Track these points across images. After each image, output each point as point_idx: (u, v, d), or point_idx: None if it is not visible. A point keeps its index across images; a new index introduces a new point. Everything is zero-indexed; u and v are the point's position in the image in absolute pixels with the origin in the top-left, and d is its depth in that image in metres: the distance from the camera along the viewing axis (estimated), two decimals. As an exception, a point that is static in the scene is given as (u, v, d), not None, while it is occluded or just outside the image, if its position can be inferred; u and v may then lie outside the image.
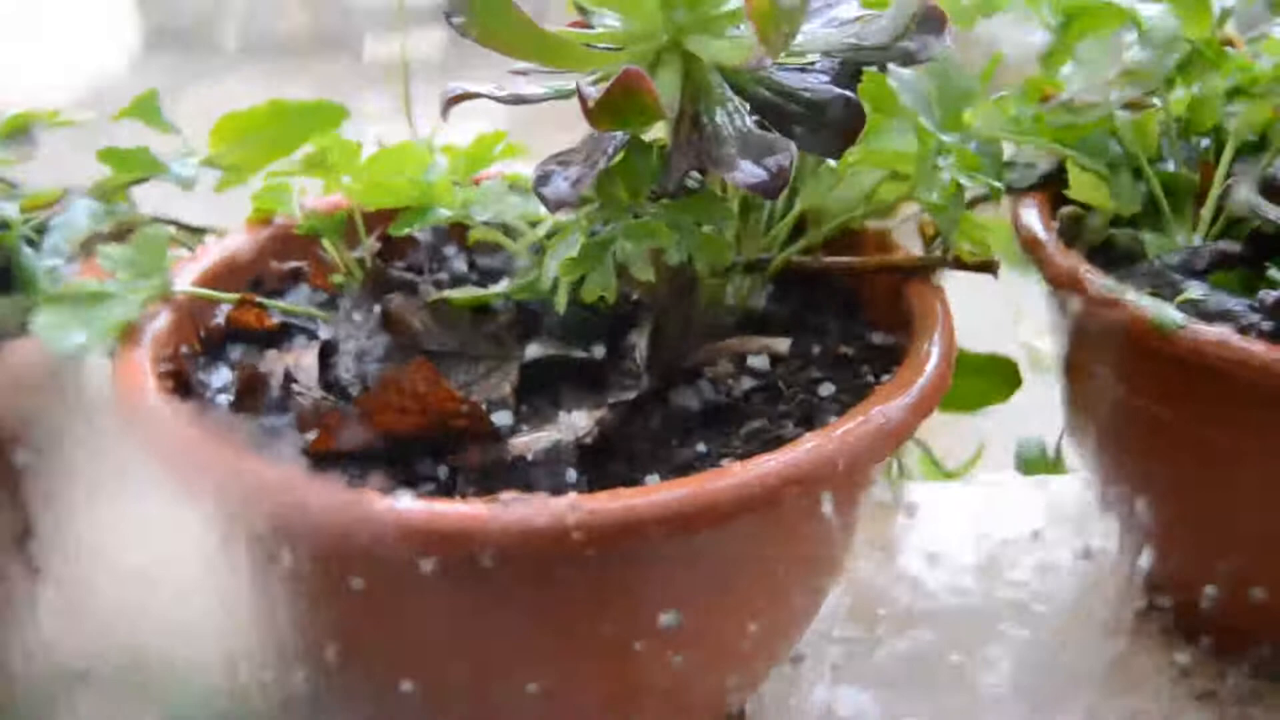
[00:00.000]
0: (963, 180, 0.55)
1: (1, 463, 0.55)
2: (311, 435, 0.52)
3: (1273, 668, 0.66)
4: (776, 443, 0.50)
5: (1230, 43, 0.70)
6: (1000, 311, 0.86)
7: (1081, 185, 0.65)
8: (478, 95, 0.54)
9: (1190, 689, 0.67)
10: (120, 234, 0.64)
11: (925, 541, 0.79)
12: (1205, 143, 0.69)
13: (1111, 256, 0.66)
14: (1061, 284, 0.63)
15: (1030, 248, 0.66)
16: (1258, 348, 0.56)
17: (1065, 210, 0.68)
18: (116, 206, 0.66)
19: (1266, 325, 0.58)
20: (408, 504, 0.45)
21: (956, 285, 0.64)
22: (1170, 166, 0.67)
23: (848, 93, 0.51)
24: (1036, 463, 0.83)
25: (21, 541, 0.57)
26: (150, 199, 0.69)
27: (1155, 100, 0.68)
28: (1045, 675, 0.69)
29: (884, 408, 0.51)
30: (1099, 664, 0.69)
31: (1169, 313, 0.57)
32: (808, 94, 0.52)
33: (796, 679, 0.68)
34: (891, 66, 0.55)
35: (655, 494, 0.46)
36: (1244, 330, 0.57)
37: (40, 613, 0.59)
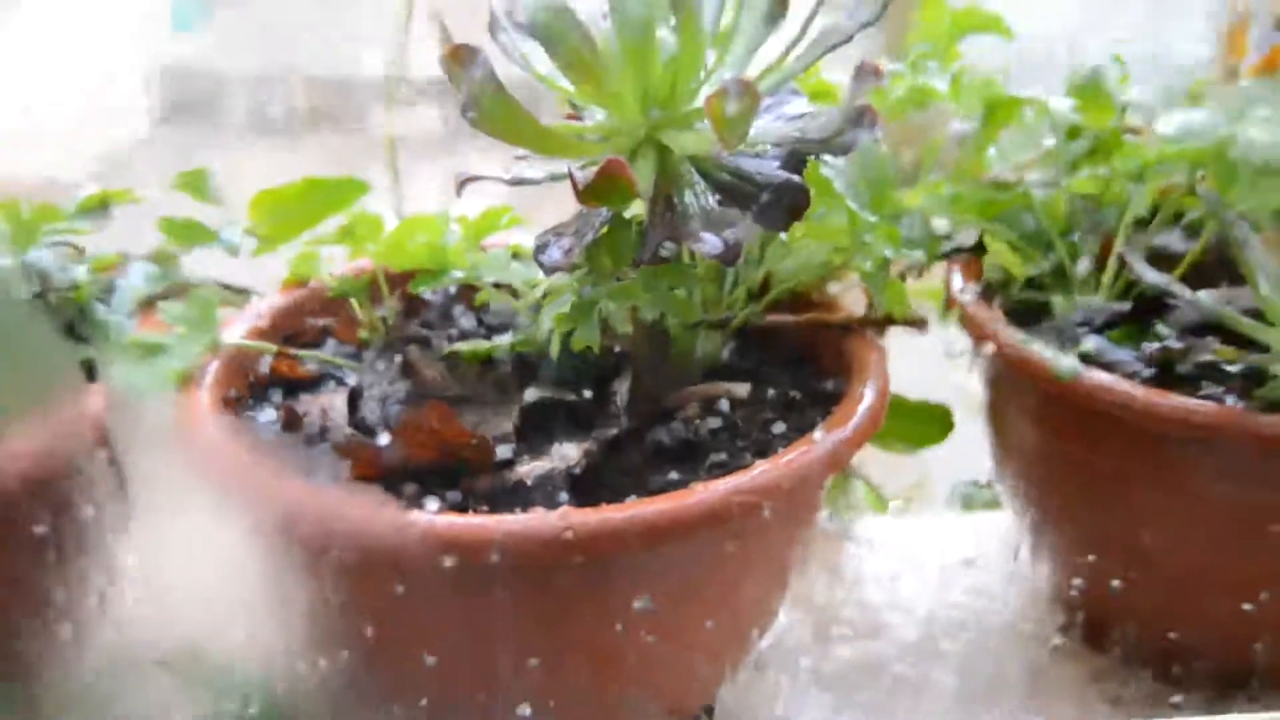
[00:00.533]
0: (887, 252, 0.63)
1: (116, 473, 0.62)
2: (348, 463, 0.58)
3: (1169, 672, 0.72)
4: (736, 471, 0.56)
5: (1135, 131, 0.78)
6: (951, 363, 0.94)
7: (998, 254, 0.73)
8: (486, 178, 0.61)
9: (1101, 693, 0.73)
10: (174, 293, 0.72)
11: (874, 568, 0.85)
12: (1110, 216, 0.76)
13: (1026, 315, 0.73)
14: (981, 338, 0.71)
15: (957, 307, 0.73)
16: (1139, 392, 0.63)
17: (987, 275, 0.76)
18: (170, 269, 0.73)
19: (1148, 373, 0.65)
20: (432, 514, 0.53)
21: (912, 341, 0.71)
22: (1077, 238, 0.74)
23: (794, 177, 0.57)
24: (971, 499, 0.90)
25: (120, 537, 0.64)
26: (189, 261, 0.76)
27: (1064, 180, 0.76)
28: (978, 682, 0.74)
29: (821, 440, 0.58)
30: (1024, 672, 0.75)
31: (1066, 362, 0.65)
32: (760, 178, 0.57)
33: (760, 685, 0.74)
34: (828, 156, 0.63)
35: (631, 509, 0.53)
36: (1130, 377, 0.65)
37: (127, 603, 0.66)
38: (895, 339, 0.70)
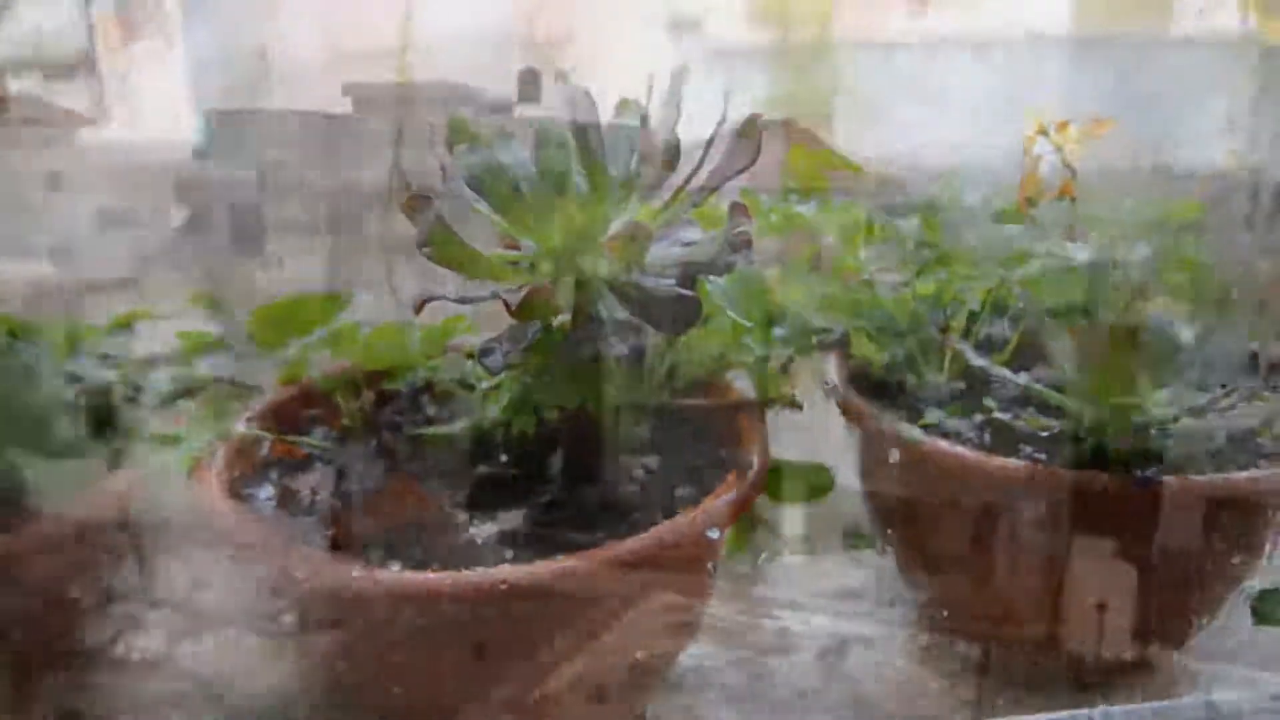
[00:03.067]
0: (761, 350, 0.67)
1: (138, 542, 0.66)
2: (330, 529, 0.62)
3: (1010, 675, 0.77)
4: (649, 528, 0.59)
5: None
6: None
7: (860, 345, 0.77)
8: (441, 298, 0.64)
9: (960, 694, 0.77)
10: (193, 391, 0.75)
11: (780, 598, 0.88)
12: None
13: (885, 392, 0.78)
14: (849, 412, 0.75)
15: (829, 388, 0.78)
16: (969, 454, 0.68)
17: (853, 362, 0.80)
18: (188, 371, 0.77)
19: (976, 438, 0.70)
20: (396, 573, 0.56)
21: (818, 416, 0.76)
22: (926, 330, 0.79)
23: (686, 293, 0.61)
24: (858, 539, 0.93)
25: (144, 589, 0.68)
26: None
27: (913, 283, 0.80)
28: (863, 687, 0.78)
29: (714, 503, 0.62)
30: (898, 678, 0.79)
31: (913, 431, 0.70)
32: (660, 294, 0.61)
33: (683, 696, 0.77)
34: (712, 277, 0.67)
35: (556, 564, 0.56)
36: (963, 442, 0.69)
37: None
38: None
